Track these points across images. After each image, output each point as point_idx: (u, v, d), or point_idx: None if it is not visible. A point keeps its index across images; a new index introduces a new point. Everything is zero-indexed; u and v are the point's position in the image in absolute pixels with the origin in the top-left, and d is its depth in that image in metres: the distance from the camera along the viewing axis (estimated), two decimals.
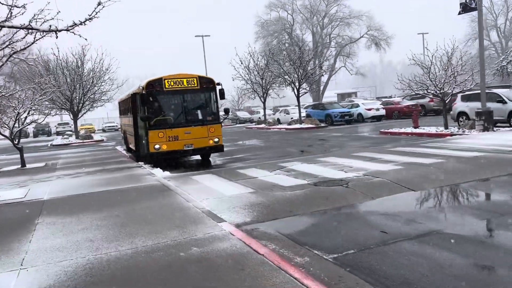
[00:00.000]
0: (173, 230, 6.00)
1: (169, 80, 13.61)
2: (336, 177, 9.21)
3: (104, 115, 76.70)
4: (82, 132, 37.89)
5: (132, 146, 18.57)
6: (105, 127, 58.38)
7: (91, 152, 21.63)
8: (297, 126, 29.47)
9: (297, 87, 29.40)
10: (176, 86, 13.68)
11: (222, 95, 14.42)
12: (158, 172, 12.29)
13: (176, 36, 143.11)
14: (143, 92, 13.32)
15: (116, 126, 59.00)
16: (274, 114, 44.01)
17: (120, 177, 11.63)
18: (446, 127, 17.92)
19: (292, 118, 33.93)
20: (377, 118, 30.37)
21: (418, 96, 33.46)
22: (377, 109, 30.35)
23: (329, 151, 14.67)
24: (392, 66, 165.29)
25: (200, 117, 14.08)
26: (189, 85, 13.83)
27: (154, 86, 13.47)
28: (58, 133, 51.87)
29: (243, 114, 49.58)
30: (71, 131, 44.68)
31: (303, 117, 31.17)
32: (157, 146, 13.38)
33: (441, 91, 17.65)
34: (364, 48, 72.14)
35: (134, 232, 6.09)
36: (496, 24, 79.68)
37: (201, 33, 51.47)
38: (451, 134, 16.37)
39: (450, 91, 17.82)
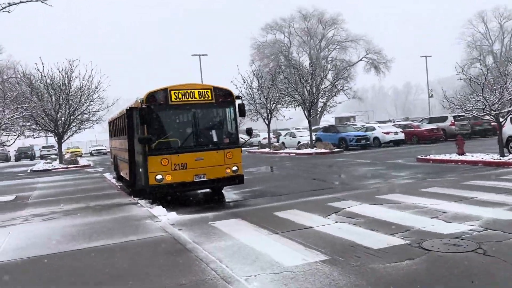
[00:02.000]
0: None
1: (176, 91, 10.50)
2: (442, 231, 6.06)
3: (92, 138, 73.20)
4: (67, 156, 34.30)
5: (124, 174, 15.29)
6: (93, 150, 54.67)
7: (75, 181, 18.24)
8: (308, 150, 26.40)
9: (309, 107, 26.48)
10: (185, 99, 10.56)
11: (243, 112, 11.34)
12: (161, 214, 9.06)
13: (169, 59, 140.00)
14: (143, 105, 10.18)
15: (105, 149, 55.40)
16: (275, 137, 41.05)
17: (109, 222, 8.35)
18: (502, 154, 14.98)
19: (299, 142, 30.93)
20: (395, 143, 27.49)
21: (437, 119, 30.90)
22: (396, 133, 27.46)
23: (380, 184, 11.54)
24: (384, 91, 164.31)
25: (215, 139, 10.94)
26: (202, 98, 10.73)
27: (157, 99, 10.34)
28: (42, 157, 48.02)
29: (242, 137, 46.37)
30: (56, 154, 41.05)
31: (312, 140, 28.16)
32: (159, 177, 10.16)
33: (497, 111, 14.77)
34: (362, 71, 70.51)
35: None
36: (492, 50, 79.07)
37: (197, 53, 48.90)
38: None
39: (506, 111, 14.97)
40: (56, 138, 30.41)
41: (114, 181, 17.36)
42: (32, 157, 50.12)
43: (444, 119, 29.78)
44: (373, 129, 28.74)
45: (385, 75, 69.42)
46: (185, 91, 10.60)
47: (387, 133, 27.45)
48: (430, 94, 56.98)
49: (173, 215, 8.97)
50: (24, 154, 49.36)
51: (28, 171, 28.24)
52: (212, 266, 5.14)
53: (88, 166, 29.31)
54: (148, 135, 10.16)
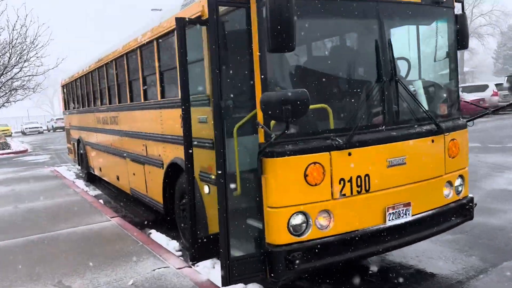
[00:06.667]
0: None
1: None
2: None
3: (23, 114, 62.04)
4: None
5: (114, 178, 7.90)
6: (26, 128, 44.62)
7: (12, 187, 10.19)
8: None
9: None
10: None
11: (465, 34, 4.39)
12: None
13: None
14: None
15: (41, 127, 45.52)
16: None
17: None
18: None
19: None
20: None
21: (474, 88, 25.71)
22: None
23: None
24: None
25: (425, 103, 4.02)
26: None
27: None
28: None
29: None
30: None
31: None
32: (298, 221, 3.17)
33: None
34: None
35: None
36: None
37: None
38: None
39: None
40: None
41: (82, 184, 9.92)
42: None
43: (483, 88, 24.70)
44: None
45: None
46: None
47: None
48: None
49: None
50: None
51: None
52: None
53: (25, 151, 21.01)
54: (273, 89, 3.11)
